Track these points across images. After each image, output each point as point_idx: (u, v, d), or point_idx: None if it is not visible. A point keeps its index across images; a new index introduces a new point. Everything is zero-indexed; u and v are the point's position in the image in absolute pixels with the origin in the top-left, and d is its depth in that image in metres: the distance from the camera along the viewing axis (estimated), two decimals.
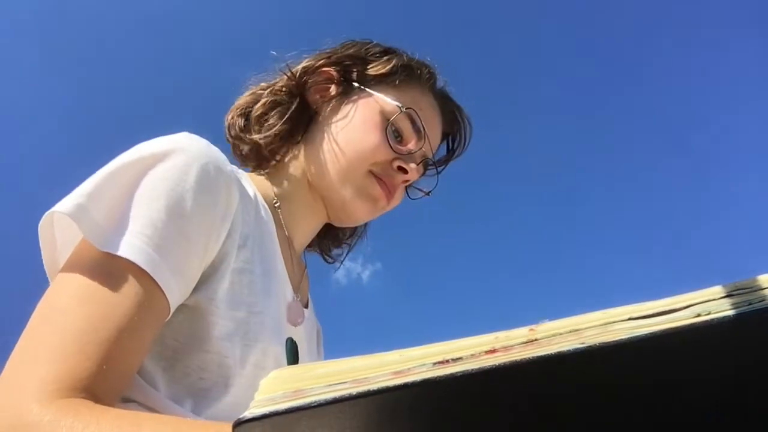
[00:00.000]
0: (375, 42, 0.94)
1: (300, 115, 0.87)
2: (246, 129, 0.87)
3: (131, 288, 0.57)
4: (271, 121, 0.85)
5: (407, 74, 0.89)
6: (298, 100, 0.87)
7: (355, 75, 0.89)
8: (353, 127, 0.84)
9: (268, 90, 0.88)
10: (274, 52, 0.91)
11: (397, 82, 0.88)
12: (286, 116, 0.85)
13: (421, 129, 0.87)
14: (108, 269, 0.58)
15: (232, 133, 0.89)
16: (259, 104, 0.87)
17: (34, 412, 0.48)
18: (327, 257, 1.06)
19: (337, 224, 0.93)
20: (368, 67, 0.89)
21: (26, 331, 0.56)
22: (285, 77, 0.88)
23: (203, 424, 0.49)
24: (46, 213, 0.62)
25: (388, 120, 0.84)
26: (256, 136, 0.85)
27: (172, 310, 0.62)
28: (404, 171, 0.85)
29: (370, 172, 0.84)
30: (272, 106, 0.87)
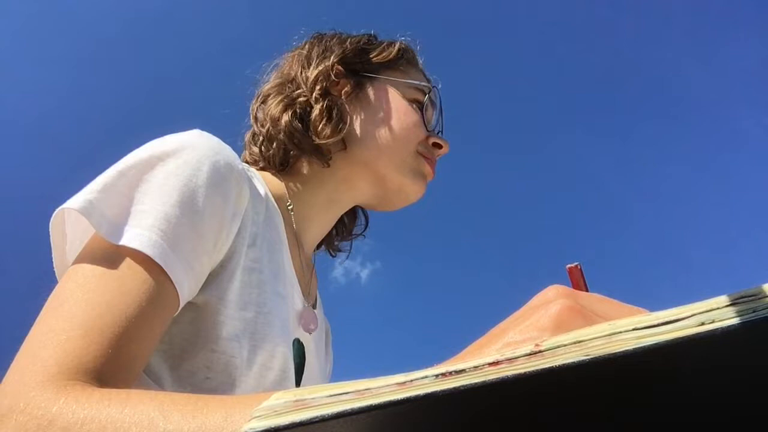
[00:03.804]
0: (339, 32, 0.97)
1: (339, 115, 0.89)
2: (306, 134, 0.87)
3: (141, 278, 0.57)
4: (334, 123, 0.87)
5: (409, 56, 0.95)
6: (334, 100, 0.89)
7: (362, 66, 0.91)
8: (388, 115, 0.88)
9: (314, 95, 0.88)
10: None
11: (402, 66, 0.93)
12: (338, 118, 0.87)
13: (439, 105, 0.94)
14: (118, 260, 0.57)
15: (288, 134, 0.87)
16: (315, 110, 0.87)
17: (31, 396, 0.47)
18: (331, 251, 1.06)
19: (382, 209, 0.98)
20: (370, 56, 0.92)
21: (36, 322, 0.56)
22: (316, 78, 0.89)
23: (193, 399, 0.45)
24: (57, 210, 0.62)
25: (418, 101, 0.91)
26: (324, 140, 0.86)
27: (182, 304, 0.61)
28: (439, 146, 0.92)
29: (417, 151, 0.90)
30: (328, 110, 0.87)
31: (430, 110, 0.93)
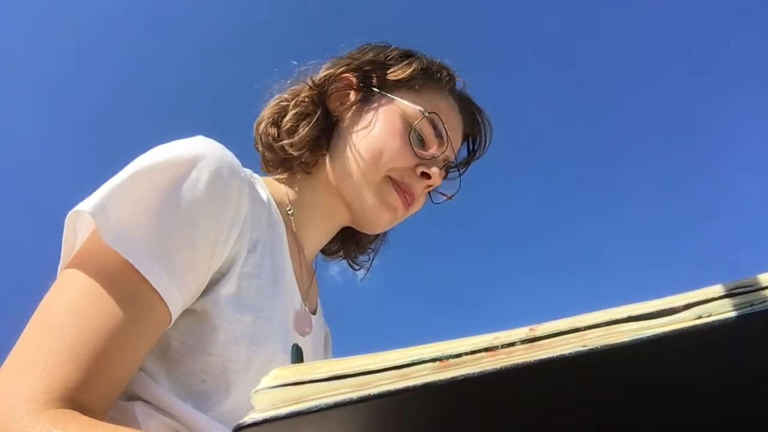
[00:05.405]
0: (392, 46, 0.94)
1: (324, 124, 0.88)
2: (278, 139, 0.88)
3: (131, 298, 0.58)
4: (300, 132, 0.86)
5: (427, 78, 0.89)
6: (321, 108, 0.88)
7: (375, 80, 0.89)
8: (374, 134, 0.85)
9: (293, 101, 0.88)
10: (295, 62, 0.92)
11: (417, 86, 0.88)
12: (313, 126, 0.86)
13: (444, 133, 0.87)
14: (110, 276, 0.58)
15: (264, 141, 0.89)
16: (288, 116, 0.87)
17: (23, 422, 0.48)
18: (353, 264, 1.06)
19: (361, 231, 0.93)
20: (388, 71, 0.89)
21: (24, 334, 0.57)
22: (307, 87, 0.89)
23: None
24: (71, 212, 0.63)
25: (411, 125, 0.84)
26: (288, 147, 0.86)
27: (174, 319, 0.62)
28: (427, 176, 0.85)
29: (389, 177, 0.84)
30: (299, 117, 0.87)
31: (431, 136, 0.86)
